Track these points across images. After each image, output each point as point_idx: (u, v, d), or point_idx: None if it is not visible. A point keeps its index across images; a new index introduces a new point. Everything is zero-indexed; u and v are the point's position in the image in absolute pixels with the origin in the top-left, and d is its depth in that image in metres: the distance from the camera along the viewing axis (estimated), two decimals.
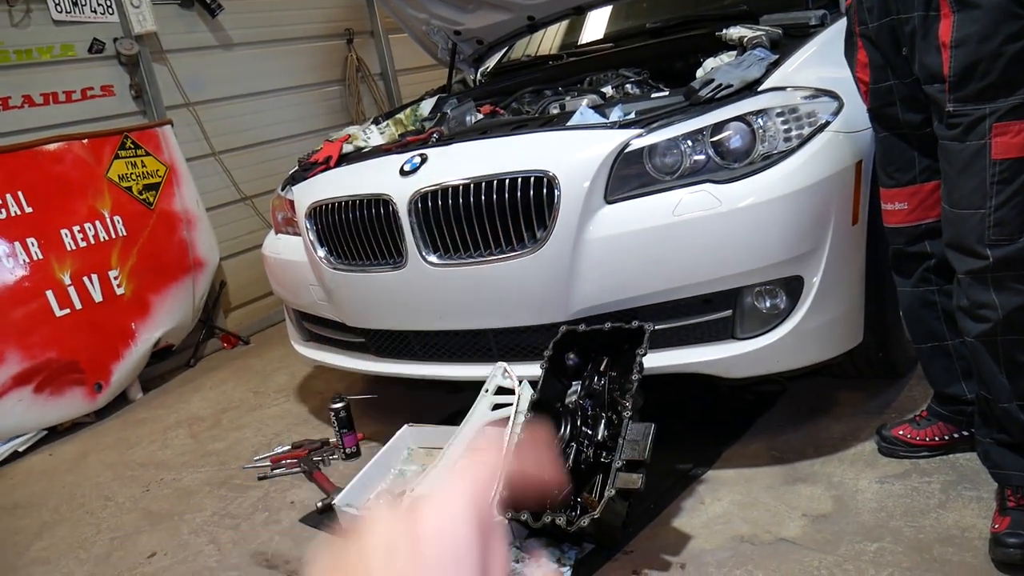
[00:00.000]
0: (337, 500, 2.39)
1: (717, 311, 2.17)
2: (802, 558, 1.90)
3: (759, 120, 2.13)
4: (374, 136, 3.13)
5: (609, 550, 2.06)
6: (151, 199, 4.08)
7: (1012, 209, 1.69)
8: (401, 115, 3.36)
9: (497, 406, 2.39)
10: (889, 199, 2.03)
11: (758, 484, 2.24)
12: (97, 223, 3.82)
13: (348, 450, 2.87)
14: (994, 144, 1.67)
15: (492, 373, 2.41)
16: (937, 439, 2.18)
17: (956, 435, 2.17)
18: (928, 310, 2.09)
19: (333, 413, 2.86)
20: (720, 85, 2.21)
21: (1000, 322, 1.75)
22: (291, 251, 2.94)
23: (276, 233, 3.16)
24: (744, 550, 1.98)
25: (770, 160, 2.10)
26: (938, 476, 2.12)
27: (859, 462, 2.25)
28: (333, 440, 2.93)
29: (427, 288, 2.44)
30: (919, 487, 2.09)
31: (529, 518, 1.97)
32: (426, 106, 3.40)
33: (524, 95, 3.14)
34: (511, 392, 2.37)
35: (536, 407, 2.16)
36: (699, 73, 2.48)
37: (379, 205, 2.48)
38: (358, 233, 2.57)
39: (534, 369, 2.25)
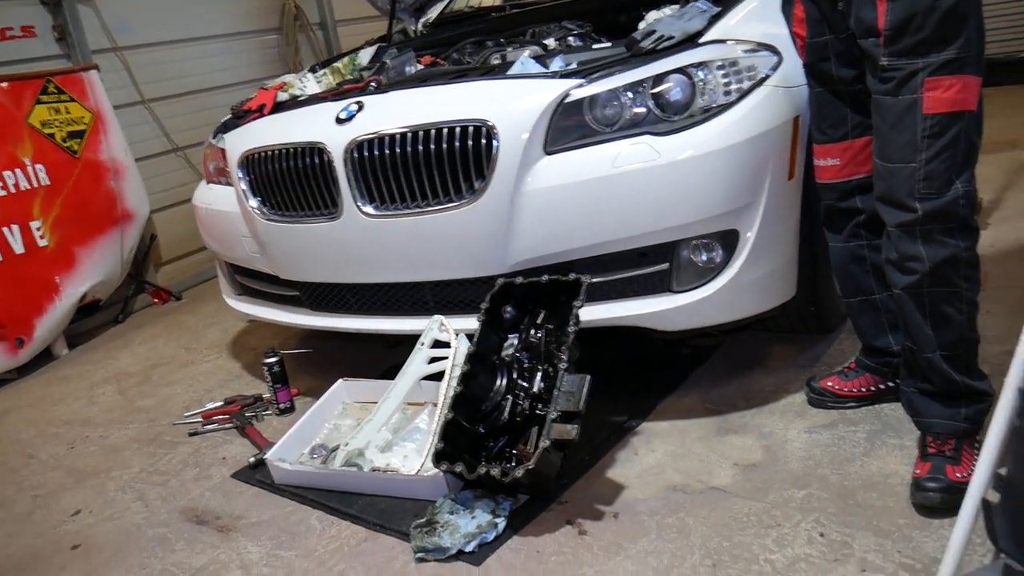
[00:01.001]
0: (269, 455, 2.36)
1: (654, 264, 2.18)
2: (732, 506, 1.94)
3: (699, 73, 2.12)
4: (310, 85, 3.04)
5: (544, 501, 2.07)
6: (76, 147, 3.92)
7: (941, 163, 1.71)
8: (339, 64, 3.27)
9: (433, 359, 2.38)
10: (822, 155, 2.05)
11: (691, 435, 2.27)
12: (17, 171, 3.66)
13: (282, 405, 2.83)
14: (926, 99, 1.69)
15: (428, 326, 2.39)
16: (864, 390, 2.24)
17: (882, 386, 2.22)
18: (857, 265, 2.13)
19: (266, 368, 2.81)
20: (661, 36, 2.19)
21: (927, 274, 1.79)
22: (223, 202, 2.86)
23: (208, 183, 3.06)
24: (676, 499, 2.01)
25: (709, 113, 2.09)
26: (864, 425, 2.17)
27: (789, 413, 2.30)
28: (267, 396, 2.89)
29: (363, 240, 2.39)
30: (845, 436, 2.14)
31: (464, 470, 1.97)
32: (365, 55, 3.32)
33: (465, 46, 3.08)
34: (448, 345, 2.35)
35: (472, 360, 2.15)
36: (641, 25, 2.46)
37: (313, 154, 2.42)
38: (292, 183, 2.50)
39: (471, 322, 2.24)
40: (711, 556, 1.78)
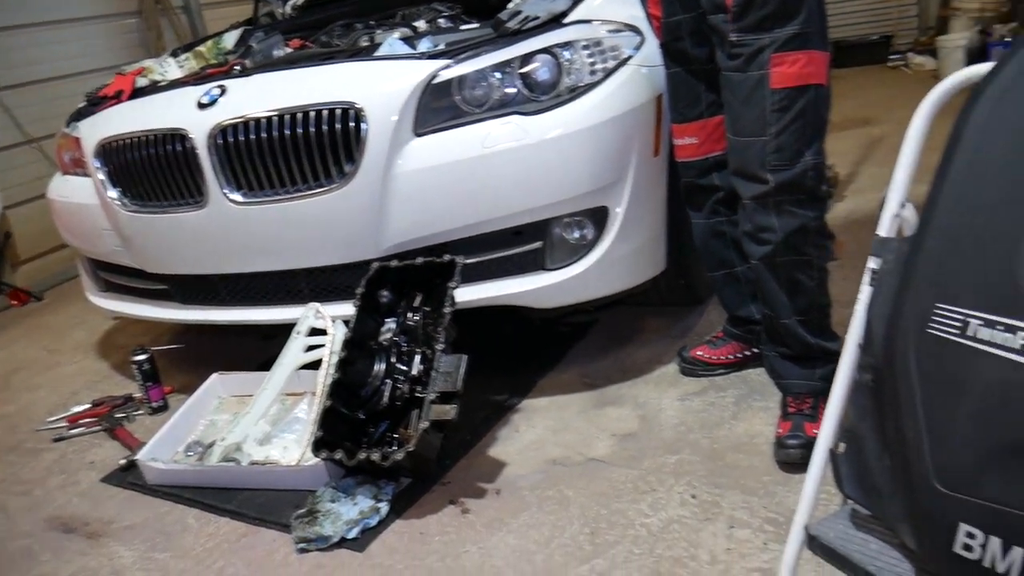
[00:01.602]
0: (141, 455, 2.27)
1: (527, 243, 2.20)
2: (610, 474, 2.00)
3: (565, 53, 2.15)
4: (172, 69, 2.92)
5: (427, 482, 2.07)
6: None
7: (790, 136, 1.80)
8: (202, 48, 3.15)
9: (310, 348, 2.34)
10: (679, 134, 2.13)
11: (570, 410, 2.32)
12: None
13: (154, 404, 2.73)
14: (772, 74, 1.77)
15: (304, 314, 2.35)
16: (731, 357, 2.34)
17: (748, 353, 2.33)
18: (718, 240, 2.22)
19: (136, 366, 2.70)
20: (527, 17, 2.22)
21: (780, 244, 1.89)
22: (81, 194, 2.72)
23: (63, 174, 2.90)
24: (556, 472, 2.05)
25: (576, 92, 2.13)
26: (732, 391, 2.27)
27: (663, 383, 2.38)
28: (138, 395, 2.77)
29: (231, 228, 2.32)
30: (715, 402, 2.23)
31: (344, 456, 1.95)
32: (230, 38, 3.20)
33: (334, 29, 3.02)
34: (324, 333, 2.31)
35: (350, 346, 2.13)
36: (509, 6, 2.47)
37: (175, 140, 2.32)
38: (154, 172, 2.40)
39: (347, 308, 2.21)
40: (590, 524, 1.83)
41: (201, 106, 2.31)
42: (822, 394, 2.03)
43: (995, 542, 0.93)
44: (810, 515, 1.30)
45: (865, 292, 1.16)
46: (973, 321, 0.95)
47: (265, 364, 2.66)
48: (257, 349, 2.94)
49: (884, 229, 1.17)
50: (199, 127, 2.28)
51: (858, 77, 6.11)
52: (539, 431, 2.24)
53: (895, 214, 1.16)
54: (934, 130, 1.14)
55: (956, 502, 0.96)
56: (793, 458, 1.88)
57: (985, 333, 0.93)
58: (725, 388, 2.29)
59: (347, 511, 1.94)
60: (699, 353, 2.37)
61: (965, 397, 0.95)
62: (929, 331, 0.99)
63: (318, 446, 1.98)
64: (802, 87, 1.79)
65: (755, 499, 1.82)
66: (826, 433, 1.28)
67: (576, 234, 2.21)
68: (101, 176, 2.56)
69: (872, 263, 1.16)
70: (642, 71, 2.21)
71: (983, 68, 0.99)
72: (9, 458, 2.61)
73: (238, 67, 2.53)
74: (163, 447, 2.31)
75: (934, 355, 0.99)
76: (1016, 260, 0.90)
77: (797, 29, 1.75)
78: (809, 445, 1.90)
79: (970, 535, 0.95)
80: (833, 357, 2.01)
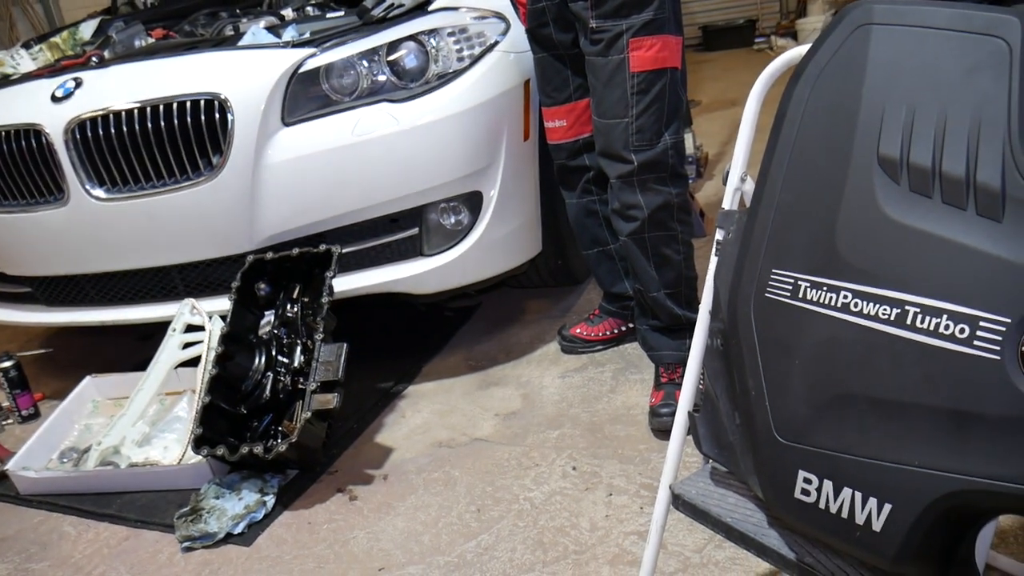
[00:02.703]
0: (11, 465, 2.18)
1: (404, 230, 2.22)
2: (494, 453, 2.05)
3: (432, 40, 2.17)
4: (24, 62, 2.79)
5: (313, 473, 2.07)
6: None
7: (650, 117, 1.88)
8: (58, 38, 3.01)
9: (188, 344, 2.29)
10: (549, 117, 2.18)
11: (456, 393, 2.36)
12: None
13: (24, 412, 2.62)
14: (631, 58, 1.85)
15: (179, 311, 2.30)
16: (608, 333, 2.42)
17: (624, 328, 2.42)
18: (591, 219, 2.29)
19: (2, 374, 2.58)
20: (392, 4, 2.23)
21: (646, 220, 1.97)
22: None
23: None
24: (442, 454, 2.08)
25: (445, 79, 2.16)
26: (610, 366, 2.36)
27: (545, 361, 2.44)
28: (5, 404, 2.66)
29: (96, 226, 2.25)
30: (594, 377, 2.31)
31: (225, 452, 1.93)
32: (87, 28, 3.07)
33: (199, 17, 2.94)
34: (202, 329, 2.27)
35: (228, 341, 2.10)
36: None
37: (30, 136, 2.23)
38: (8, 169, 2.30)
39: (224, 303, 2.18)
40: (476, 502, 1.87)
41: (56, 99, 2.22)
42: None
43: (828, 485, 1.01)
44: (675, 476, 1.38)
45: (713, 262, 1.24)
46: (803, 284, 1.03)
47: (141, 364, 2.58)
48: (133, 349, 2.86)
49: (727, 202, 1.24)
50: (55, 121, 2.20)
51: (726, 60, 6.36)
52: (425, 415, 2.27)
53: (736, 188, 1.23)
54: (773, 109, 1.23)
55: (794, 451, 1.04)
56: (666, 425, 1.97)
57: (813, 294, 1.01)
58: (603, 363, 2.37)
59: (232, 507, 1.92)
60: (578, 331, 2.44)
61: (798, 354, 1.03)
62: (767, 295, 1.07)
63: (199, 443, 1.96)
64: (659, 70, 1.87)
65: (632, 467, 1.91)
66: (685, 397, 1.35)
67: (452, 219, 2.24)
68: None
69: (718, 235, 1.24)
70: (509, 57, 2.25)
71: (803, 49, 1.07)
72: None
73: (95, 58, 2.44)
74: (35, 455, 2.23)
75: (771, 317, 1.06)
76: (835, 227, 0.98)
77: (651, 15, 1.82)
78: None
79: (807, 480, 1.03)
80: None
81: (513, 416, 2.20)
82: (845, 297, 0.98)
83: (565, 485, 1.88)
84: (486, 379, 2.41)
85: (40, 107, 2.24)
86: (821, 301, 1.01)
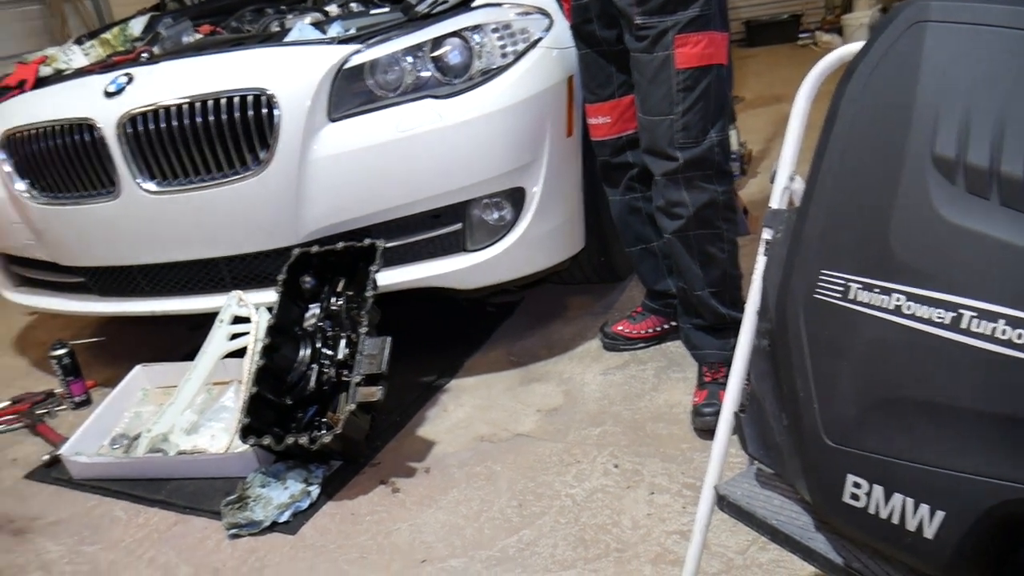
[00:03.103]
0: (64, 450, 2.24)
1: (447, 225, 2.23)
2: (536, 449, 2.05)
3: (475, 36, 2.18)
4: (77, 57, 2.84)
5: (357, 464, 2.10)
6: None
7: (696, 114, 1.87)
8: (108, 35, 3.07)
9: (235, 336, 2.33)
10: (593, 114, 2.18)
11: (497, 388, 2.37)
12: None
13: (77, 399, 2.68)
14: (677, 55, 1.83)
15: (226, 303, 2.33)
16: (651, 331, 2.41)
17: (666, 326, 2.41)
18: (635, 216, 2.28)
19: (55, 361, 2.65)
20: (436, 0, 2.23)
21: (691, 218, 1.96)
22: None
23: None
24: (484, 448, 2.09)
25: (488, 75, 2.16)
26: (652, 363, 2.35)
27: (586, 358, 2.44)
28: (59, 390, 2.72)
29: (147, 218, 2.29)
30: (636, 374, 2.31)
31: (272, 442, 1.96)
32: (137, 25, 3.13)
33: (245, 14, 2.98)
34: (248, 320, 2.31)
35: (274, 332, 2.13)
36: None
37: (83, 130, 2.28)
38: (62, 162, 2.35)
39: (270, 295, 2.21)
40: (517, 497, 1.88)
41: (108, 94, 2.27)
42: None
43: (878, 490, 1.00)
44: (719, 476, 1.37)
45: (760, 262, 1.23)
46: (853, 285, 1.01)
47: (190, 354, 2.64)
48: (181, 339, 2.91)
49: (775, 202, 1.23)
50: (107, 116, 2.24)
51: (769, 56, 6.28)
52: (467, 410, 2.29)
53: (785, 187, 1.22)
54: (823, 107, 1.21)
55: (843, 455, 1.03)
56: (709, 425, 1.96)
57: (864, 296, 1.00)
58: (645, 361, 2.37)
59: (278, 495, 1.95)
60: (620, 328, 2.43)
61: (848, 356, 1.02)
62: (816, 296, 1.06)
63: (246, 433, 1.99)
64: (705, 67, 1.85)
65: (674, 466, 1.90)
66: (731, 397, 1.34)
67: (495, 215, 2.25)
68: (7, 168, 2.49)
69: (766, 234, 1.22)
70: (552, 53, 2.24)
71: (856, 47, 1.05)
72: None
73: (145, 54, 2.48)
74: (87, 441, 2.28)
75: (820, 318, 1.05)
76: (889, 227, 0.97)
77: (698, 11, 1.81)
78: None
79: (856, 485, 1.02)
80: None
81: (554, 412, 2.20)
82: (898, 299, 0.97)
83: (607, 483, 1.88)
84: (527, 375, 2.41)
85: (93, 102, 2.28)
86: (872, 303, 1.00)
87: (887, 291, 0.98)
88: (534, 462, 2.00)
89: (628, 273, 2.82)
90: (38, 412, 2.65)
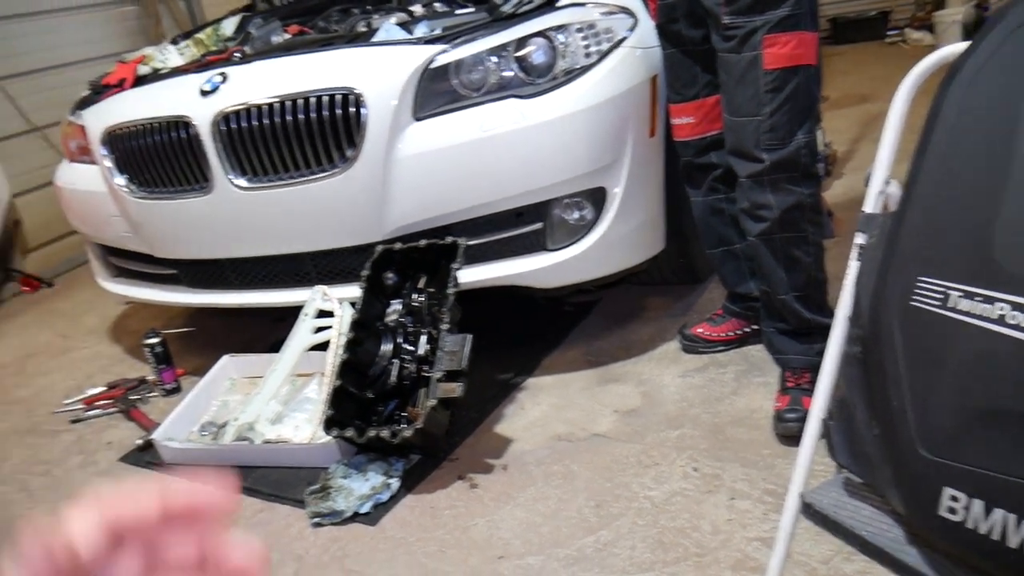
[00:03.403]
0: (157, 435, 2.33)
1: (528, 224, 2.24)
2: (613, 449, 2.05)
3: (560, 36, 2.18)
4: (172, 57, 2.95)
5: (435, 459, 2.13)
6: None
7: (783, 116, 1.84)
8: (202, 35, 3.18)
9: (319, 329, 2.38)
10: (677, 114, 2.16)
11: (574, 387, 2.37)
12: None
13: (167, 386, 2.78)
14: (765, 55, 1.81)
15: (311, 297, 2.39)
16: (731, 334, 2.38)
17: (747, 329, 2.37)
18: (717, 217, 2.26)
19: (148, 349, 2.76)
20: (521, 1, 2.24)
21: (776, 221, 1.93)
22: (88, 181, 2.76)
23: (69, 162, 2.94)
24: (561, 447, 2.10)
25: (572, 75, 2.16)
26: (732, 367, 2.32)
27: (664, 360, 2.42)
28: (151, 378, 2.83)
29: (237, 213, 2.37)
30: (716, 378, 2.28)
31: (354, 434, 2.00)
32: (229, 25, 3.23)
33: (332, 14, 3.05)
34: (332, 315, 2.36)
35: (357, 327, 2.17)
36: None
37: (179, 128, 2.36)
38: (159, 159, 2.44)
39: (353, 290, 2.25)
40: (595, 497, 1.88)
41: (203, 93, 2.35)
42: (819, 368, 2.08)
43: (978, 504, 0.97)
44: (805, 484, 1.35)
45: (853, 267, 1.20)
46: (953, 293, 0.99)
47: (275, 346, 2.71)
48: (265, 331, 2.99)
49: (870, 205, 1.21)
50: (202, 114, 2.32)
51: (856, 53, 6.10)
52: (544, 408, 2.29)
53: (880, 191, 1.19)
54: (919, 109, 1.18)
55: (940, 467, 1.00)
56: (791, 431, 1.92)
57: (965, 304, 0.97)
58: (725, 364, 2.34)
59: (359, 487, 2.00)
60: (700, 330, 2.41)
61: (946, 366, 0.99)
62: (912, 303, 1.03)
63: (329, 424, 2.04)
64: (793, 68, 1.82)
65: (755, 471, 1.87)
66: (818, 404, 1.32)
67: (576, 215, 2.25)
68: (108, 163, 2.60)
69: (859, 238, 1.20)
70: (636, 53, 2.23)
71: (959, 47, 1.02)
72: (28, 440, 2.67)
73: (238, 54, 2.56)
74: (178, 427, 2.37)
75: (917, 326, 1.03)
76: (993, 233, 0.94)
77: (788, 11, 1.78)
78: (807, 418, 1.95)
79: (954, 498, 0.99)
80: (829, 332, 2.07)
81: (632, 414, 2.19)
82: (1001, 308, 0.94)
83: (686, 486, 1.86)
84: (605, 375, 2.41)
85: (189, 100, 2.37)
86: (974, 312, 0.97)
87: (990, 300, 0.95)
88: (611, 463, 2.00)
89: (708, 275, 2.79)
90: (131, 398, 2.76)
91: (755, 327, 2.34)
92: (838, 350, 1.27)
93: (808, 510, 1.32)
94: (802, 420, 1.94)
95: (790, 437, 1.94)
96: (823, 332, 2.04)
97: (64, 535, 0.36)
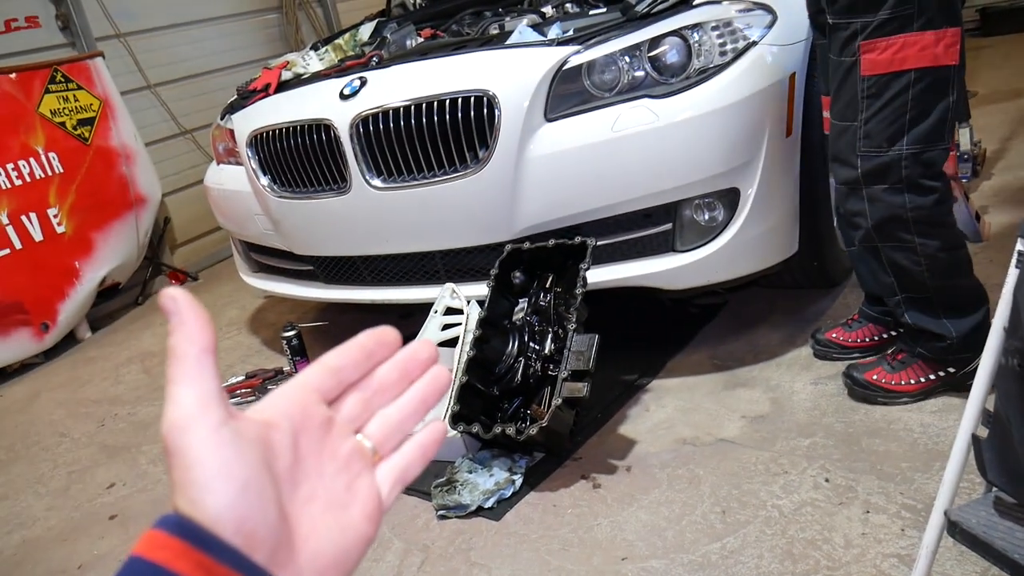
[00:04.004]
0: None
1: (657, 225, 2.22)
2: (740, 455, 2.01)
3: (695, 34, 2.15)
4: (313, 62, 3.08)
5: (559, 458, 2.14)
6: (86, 134, 3.98)
7: (880, 123, 1.76)
8: (340, 40, 3.30)
9: (447, 326, 2.44)
10: (826, 106, 2.09)
11: (700, 391, 2.34)
12: (32, 160, 3.72)
13: None
14: (863, 61, 1.74)
15: (440, 294, 2.45)
16: (867, 340, 2.29)
17: (884, 336, 2.28)
18: None
19: (285, 342, 2.89)
20: (656, 0, 2.22)
21: (871, 229, 1.86)
22: (234, 181, 2.92)
23: (218, 164, 3.12)
24: (686, 451, 2.07)
25: (706, 74, 2.13)
26: None
27: (795, 366, 2.35)
28: (287, 369, 2.97)
29: (372, 212, 2.45)
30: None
31: (480, 430, 2.04)
32: (365, 31, 3.35)
33: (464, 17, 3.11)
34: (460, 312, 2.41)
35: (484, 325, 2.21)
36: None
37: (320, 130, 2.47)
38: (300, 160, 2.56)
39: (481, 288, 2.30)
40: (720, 504, 1.85)
41: (343, 97, 2.44)
42: (918, 360, 2.04)
43: None
44: (951, 501, 1.29)
45: (1012, 275, 1.14)
46: None
47: (403, 341, 2.80)
48: (395, 327, 3.07)
49: None
50: (342, 117, 2.41)
51: (1007, 46, 5.74)
52: (669, 411, 2.27)
53: None
54: None
55: None
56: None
57: None
58: None
59: (484, 482, 2.03)
60: (834, 335, 2.33)
61: None
62: None
63: (456, 420, 2.08)
64: (896, 73, 1.73)
65: (892, 485, 1.80)
66: (969, 417, 1.26)
67: (706, 216, 2.22)
68: (253, 164, 2.74)
69: (1021, 245, 1.13)
70: (774, 50, 2.18)
71: None
72: None
73: (375, 59, 2.65)
74: None
75: None
76: None
77: (888, 15, 1.70)
78: (860, 383, 2.07)
79: None
80: (938, 338, 1.98)
81: (761, 420, 2.14)
82: None
83: (817, 496, 1.81)
84: (732, 379, 2.36)
85: (330, 104, 2.47)
86: None
87: None
88: (738, 469, 1.96)
89: (842, 279, 2.69)
90: (268, 387, 2.90)
91: (892, 333, 2.25)
92: (993, 362, 1.21)
93: (954, 528, 1.26)
94: (852, 382, 2.08)
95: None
96: (930, 337, 1.97)
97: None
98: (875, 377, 2.09)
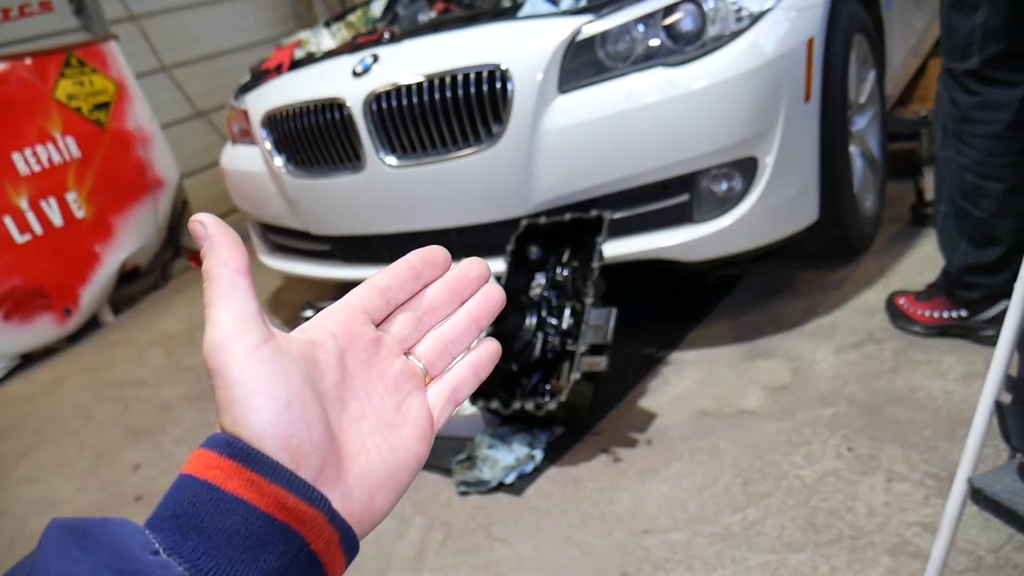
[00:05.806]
0: None
1: (674, 196, 2.20)
2: (761, 426, 2.00)
3: (710, 1, 2.11)
4: (325, 40, 3.07)
5: (578, 432, 2.14)
6: (103, 118, 3.99)
7: None
8: (352, 17, 3.29)
9: None
10: None
11: (720, 362, 2.32)
12: (49, 145, 3.74)
13: None
14: None
15: None
16: (934, 315, 2.15)
17: (953, 314, 2.13)
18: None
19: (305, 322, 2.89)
20: None
21: None
22: (249, 162, 2.92)
23: (233, 144, 3.12)
24: (707, 423, 2.07)
25: (721, 41, 2.09)
26: (890, 343, 2.20)
27: (817, 335, 2.33)
28: None
29: (387, 190, 2.44)
30: (873, 354, 2.17)
31: (499, 406, 2.04)
32: (377, 7, 3.32)
33: None
34: None
35: None
36: None
37: (333, 109, 2.45)
38: (315, 139, 2.55)
39: (498, 264, 2.29)
40: (742, 475, 1.85)
41: (356, 75, 2.42)
42: (941, 293, 2.08)
43: None
44: (974, 467, 1.27)
45: None
46: None
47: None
48: None
49: None
50: (355, 95, 2.40)
51: None
52: (689, 383, 2.26)
53: None
54: None
55: None
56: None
57: None
58: (882, 340, 2.22)
59: (504, 457, 2.04)
60: (901, 301, 2.22)
61: None
62: None
63: (475, 396, 2.08)
64: None
65: (915, 453, 1.78)
66: (992, 384, 1.24)
67: (724, 186, 2.19)
68: (267, 145, 2.74)
69: None
70: (791, 14, 2.14)
71: None
72: (199, 404, 2.87)
73: (387, 34, 2.63)
74: None
75: None
76: None
77: None
78: (889, 301, 2.15)
79: None
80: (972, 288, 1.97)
81: (782, 390, 2.13)
82: None
83: (839, 466, 1.80)
84: (752, 350, 2.34)
85: (342, 82, 2.45)
86: None
87: None
88: (760, 440, 1.95)
89: (865, 247, 2.66)
90: None
91: (963, 314, 2.10)
92: (1016, 327, 1.19)
93: (977, 495, 1.24)
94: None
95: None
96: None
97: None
98: (902, 302, 2.15)
